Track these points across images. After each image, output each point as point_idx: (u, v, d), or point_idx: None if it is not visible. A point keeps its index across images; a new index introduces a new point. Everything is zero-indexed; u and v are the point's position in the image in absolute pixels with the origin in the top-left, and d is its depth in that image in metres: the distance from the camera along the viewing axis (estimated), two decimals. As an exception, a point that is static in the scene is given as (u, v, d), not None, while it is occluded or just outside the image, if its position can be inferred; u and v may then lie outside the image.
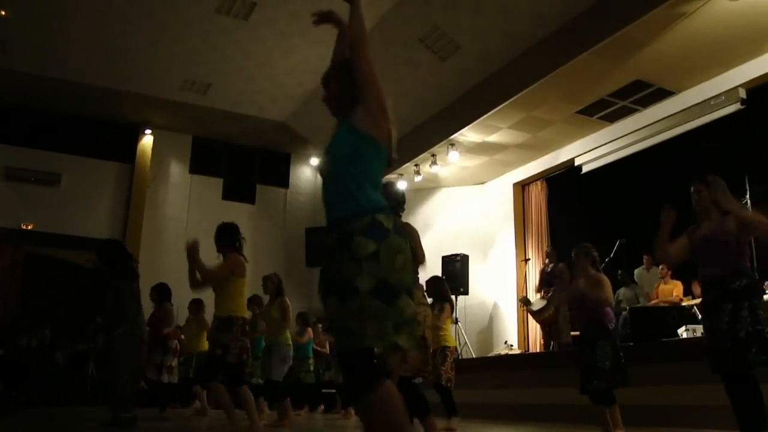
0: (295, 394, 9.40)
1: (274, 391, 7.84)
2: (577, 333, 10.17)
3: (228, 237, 5.80)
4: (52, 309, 13.03)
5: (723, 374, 3.97)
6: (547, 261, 11.57)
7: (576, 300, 5.92)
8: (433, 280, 7.01)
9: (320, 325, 11.28)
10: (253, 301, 8.66)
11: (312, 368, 9.98)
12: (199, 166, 15.62)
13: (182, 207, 15.04)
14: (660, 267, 10.02)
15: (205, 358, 6.23)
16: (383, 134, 2.75)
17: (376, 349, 2.36)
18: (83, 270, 13.38)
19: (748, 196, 7.76)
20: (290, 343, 7.70)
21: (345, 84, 2.78)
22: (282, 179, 16.54)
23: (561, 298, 6.91)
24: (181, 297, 8.97)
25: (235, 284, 5.68)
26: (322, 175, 2.70)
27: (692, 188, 4.40)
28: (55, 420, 8.01)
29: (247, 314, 6.13)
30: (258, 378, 9.05)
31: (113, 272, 6.75)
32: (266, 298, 7.87)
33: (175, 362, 9.11)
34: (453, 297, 12.42)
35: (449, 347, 7.00)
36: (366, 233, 2.41)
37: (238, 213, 15.15)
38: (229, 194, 15.74)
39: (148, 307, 7.87)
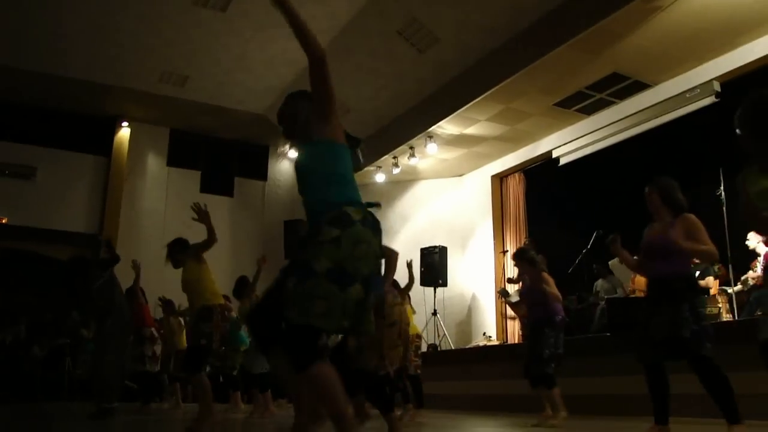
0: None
1: (256, 383, 7.85)
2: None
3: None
4: (28, 304, 12.91)
5: (647, 364, 4.26)
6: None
7: (529, 295, 6.38)
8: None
9: None
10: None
11: None
12: (176, 158, 15.52)
13: (160, 200, 14.95)
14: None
15: (187, 352, 6.25)
16: (341, 136, 2.97)
17: (320, 327, 2.50)
18: (59, 264, 13.28)
19: (722, 188, 7.85)
20: None
21: (299, 116, 3.07)
22: (260, 172, 16.49)
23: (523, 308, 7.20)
24: (158, 290, 8.95)
25: (205, 272, 5.75)
26: (299, 185, 2.89)
27: (646, 190, 4.62)
28: (37, 416, 7.95)
29: (222, 300, 6.14)
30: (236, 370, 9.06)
31: (95, 266, 6.83)
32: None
33: (158, 350, 9.07)
34: (432, 289, 12.66)
35: (410, 335, 7.15)
36: (332, 222, 2.61)
37: (216, 206, 15.06)
38: (207, 187, 15.67)
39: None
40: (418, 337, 7.49)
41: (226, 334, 9.61)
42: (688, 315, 4.12)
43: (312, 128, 2.92)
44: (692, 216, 4.43)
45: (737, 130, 3.15)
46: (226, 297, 8.82)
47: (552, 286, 6.31)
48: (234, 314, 8.81)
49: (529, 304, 6.53)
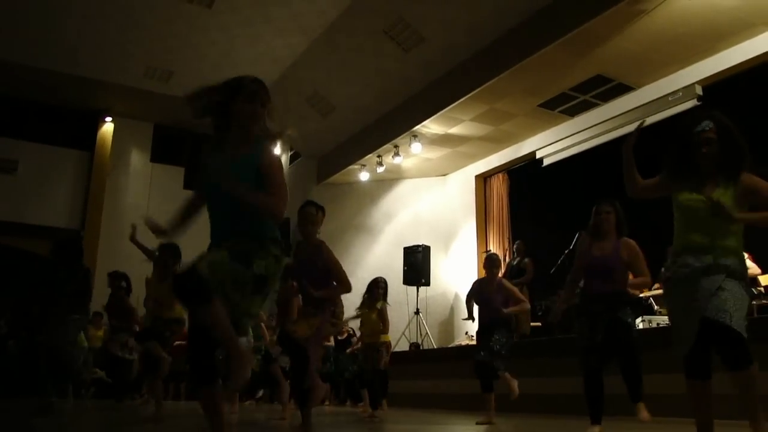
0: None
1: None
2: (538, 324, 10.42)
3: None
4: (7, 299, 12.79)
5: (596, 360, 4.70)
6: (513, 255, 11.69)
7: (485, 298, 6.67)
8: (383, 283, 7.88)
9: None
10: None
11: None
12: (160, 154, 15.46)
13: (143, 196, 14.87)
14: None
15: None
16: None
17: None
18: (40, 259, 13.17)
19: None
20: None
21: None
22: (244, 169, 16.41)
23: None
24: (139, 285, 8.90)
25: None
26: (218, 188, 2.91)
27: (601, 208, 5.13)
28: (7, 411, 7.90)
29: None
30: None
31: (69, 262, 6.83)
32: None
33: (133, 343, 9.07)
34: (414, 288, 12.71)
35: (385, 342, 7.90)
36: (275, 243, 2.93)
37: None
38: (190, 183, 15.59)
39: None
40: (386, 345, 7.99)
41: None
42: (631, 321, 4.86)
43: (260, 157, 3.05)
44: (632, 242, 5.00)
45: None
46: None
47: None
48: None
49: (484, 305, 6.77)
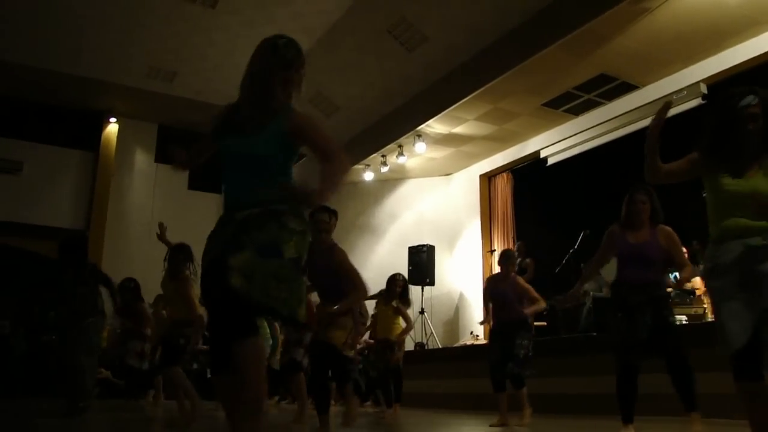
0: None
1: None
2: (543, 324, 10.41)
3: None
4: (13, 300, 12.82)
5: (633, 358, 4.49)
6: (516, 255, 11.68)
7: (499, 295, 6.47)
8: (401, 280, 7.93)
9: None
10: None
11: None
12: (164, 155, 15.41)
13: (147, 196, 14.87)
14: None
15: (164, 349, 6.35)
16: None
17: (279, 311, 2.59)
18: (45, 260, 13.19)
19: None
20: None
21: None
22: (248, 169, 16.40)
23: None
24: (144, 286, 8.91)
25: (189, 288, 6.02)
26: (238, 156, 2.82)
27: (636, 197, 4.79)
28: (13, 413, 7.91)
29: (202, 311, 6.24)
30: None
31: (78, 263, 6.85)
32: None
33: (147, 348, 9.07)
34: (419, 287, 12.70)
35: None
36: (296, 213, 2.69)
37: (204, 203, 15.07)
38: (195, 184, 15.60)
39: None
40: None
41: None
42: (668, 314, 4.60)
43: (287, 121, 2.88)
44: (669, 228, 4.74)
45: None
46: None
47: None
48: None
49: (499, 307, 6.59)
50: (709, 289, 3.13)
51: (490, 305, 6.61)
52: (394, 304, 7.73)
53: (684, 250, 4.79)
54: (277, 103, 2.80)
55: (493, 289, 6.61)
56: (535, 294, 6.49)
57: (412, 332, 12.58)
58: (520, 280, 6.65)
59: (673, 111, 9.48)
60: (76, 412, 6.43)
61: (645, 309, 4.51)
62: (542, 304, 6.59)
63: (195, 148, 3.11)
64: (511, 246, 12.47)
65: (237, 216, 2.67)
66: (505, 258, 6.64)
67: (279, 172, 2.75)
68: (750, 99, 2.99)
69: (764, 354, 2.83)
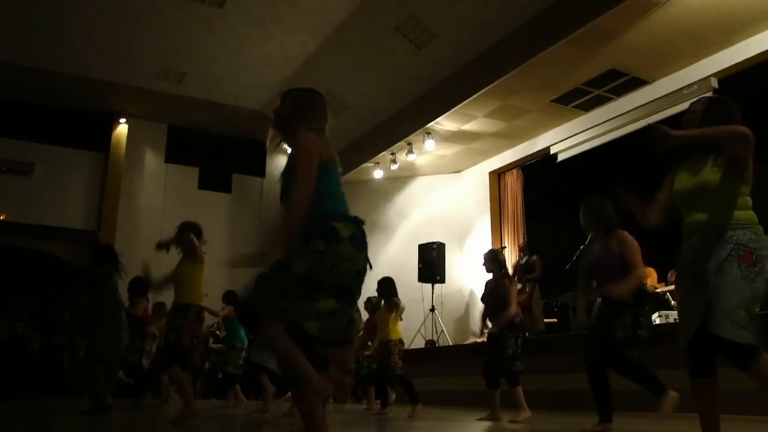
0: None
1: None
2: (553, 320, 10.38)
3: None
4: (25, 300, 12.90)
5: (594, 364, 4.59)
6: (521, 254, 11.70)
7: (491, 299, 6.50)
8: (381, 282, 7.85)
9: None
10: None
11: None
12: (174, 155, 15.48)
13: (158, 196, 14.92)
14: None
15: (164, 348, 6.36)
16: (330, 152, 3.10)
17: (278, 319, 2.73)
18: (57, 260, 13.28)
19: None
20: None
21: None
22: (258, 168, 16.45)
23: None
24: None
25: (197, 272, 5.86)
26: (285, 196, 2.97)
27: (581, 210, 5.10)
28: (33, 412, 7.96)
29: (204, 301, 6.17)
30: (233, 367, 9.15)
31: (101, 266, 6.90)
32: None
33: (153, 347, 9.11)
34: (430, 285, 12.70)
35: (392, 340, 7.72)
36: (321, 235, 2.73)
37: (214, 202, 15.13)
38: (205, 183, 15.65)
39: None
40: (401, 342, 7.89)
41: (225, 331, 9.76)
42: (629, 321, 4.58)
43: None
44: (624, 232, 4.81)
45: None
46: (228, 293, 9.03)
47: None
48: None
49: (489, 308, 6.63)
50: (676, 286, 3.29)
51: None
52: (391, 303, 7.81)
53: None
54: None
55: (485, 293, 6.69)
56: (510, 301, 6.34)
57: (423, 329, 12.65)
58: (506, 284, 6.53)
59: (682, 106, 9.45)
60: (98, 411, 6.46)
61: (607, 317, 4.63)
62: (508, 315, 6.30)
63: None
64: (520, 243, 12.43)
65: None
66: (486, 259, 6.71)
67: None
68: (696, 102, 3.22)
69: (716, 350, 2.87)
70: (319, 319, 2.67)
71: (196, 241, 5.87)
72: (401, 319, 8.03)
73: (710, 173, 3.00)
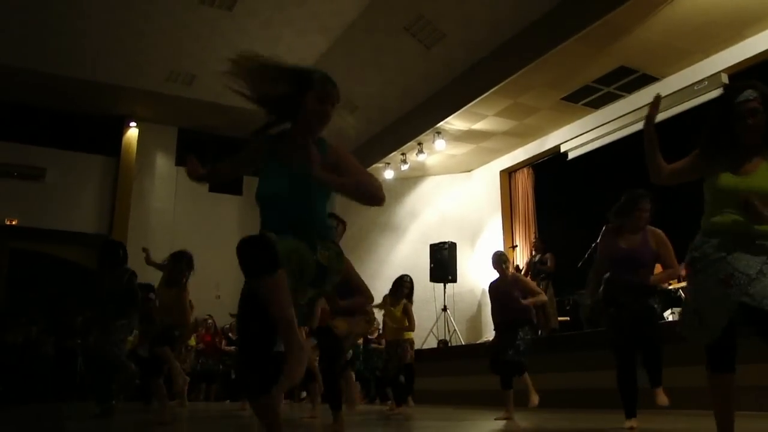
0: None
1: None
2: (566, 318, 10.35)
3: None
4: (38, 305, 12.96)
5: (629, 352, 4.65)
6: (533, 252, 11.68)
7: (503, 295, 6.59)
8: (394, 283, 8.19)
9: None
10: None
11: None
12: (185, 157, 15.41)
13: (169, 199, 14.96)
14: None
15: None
16: None
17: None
18: (70, 264, 13.34)
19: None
20: None
21: None
22: (269, 170, 16.45)
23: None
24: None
25: (185, 299, 6.20)
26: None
27: (642, 205, 4.90)
28: (46, 416, 8.00)
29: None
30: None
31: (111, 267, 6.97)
32: None
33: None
34: (441, 285, 12.70)
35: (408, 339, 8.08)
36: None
37: (225, 205, 15.15)
38: (215, 186, 15.65)
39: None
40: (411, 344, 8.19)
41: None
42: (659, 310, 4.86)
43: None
44: (659, 230, 4.88)
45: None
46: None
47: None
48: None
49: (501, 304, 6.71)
50: (689, 278, 3.16)
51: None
52: (402, 305, 7.92)
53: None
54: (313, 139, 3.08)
55: (494, 293, 6.74)
56: (536, 288, 6.75)
57: (435, 329, 12.65)
58: (521, 276, 6.86)
59: (693, 102, 9.42)
60: (108, 413, 6.51)
61: (632, 305, 4.66)
62: (542, 297, 6.77)
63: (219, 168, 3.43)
64: (532, 241, 12.42)
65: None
66: (496, 259, 6.79)
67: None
68: (748, 94, 2.95)
69: (736, 348, 2.90)
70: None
71: (187, 273, 6.22)
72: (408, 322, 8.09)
73: (763, 179, 2.95)
